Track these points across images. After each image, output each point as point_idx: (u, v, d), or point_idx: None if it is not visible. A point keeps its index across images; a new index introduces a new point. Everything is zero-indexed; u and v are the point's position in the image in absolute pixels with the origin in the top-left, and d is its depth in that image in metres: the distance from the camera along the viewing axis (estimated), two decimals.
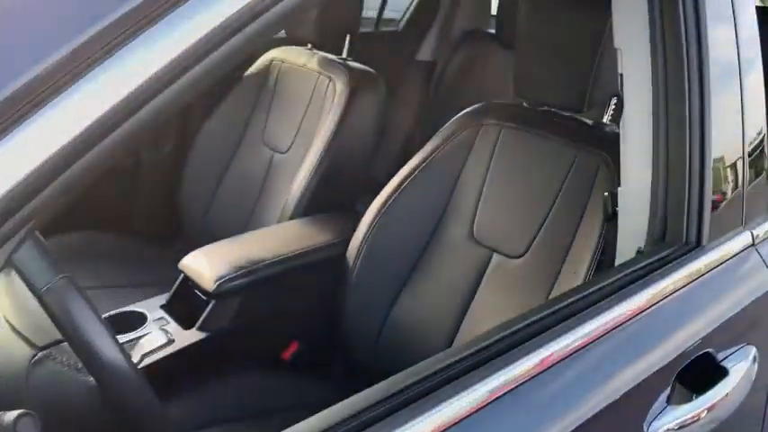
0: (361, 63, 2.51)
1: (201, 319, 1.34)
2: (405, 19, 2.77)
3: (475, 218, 1.36)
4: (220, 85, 2.02)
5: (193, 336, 1.32)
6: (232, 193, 1.88)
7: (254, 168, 1.87)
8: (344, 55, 1.87)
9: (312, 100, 1.81)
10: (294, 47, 1.93)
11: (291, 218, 1.66)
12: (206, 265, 1.36)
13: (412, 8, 2.73)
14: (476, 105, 1.45)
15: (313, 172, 1.66)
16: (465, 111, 1.45)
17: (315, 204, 1.66)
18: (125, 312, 1.36)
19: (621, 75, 1.01)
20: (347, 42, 1.88)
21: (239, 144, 1.91)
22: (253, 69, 1.94)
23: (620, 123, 1.05)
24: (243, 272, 1.34)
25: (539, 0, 1.28)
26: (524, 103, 1.37)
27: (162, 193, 1.97)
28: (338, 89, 1.74)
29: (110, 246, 1.88)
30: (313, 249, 1.46)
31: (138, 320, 1.34)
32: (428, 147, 1.43)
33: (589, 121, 1.31)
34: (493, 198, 1.36)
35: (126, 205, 2.02)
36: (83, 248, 1.80)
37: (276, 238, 1.52)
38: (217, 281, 1.31)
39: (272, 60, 1.93)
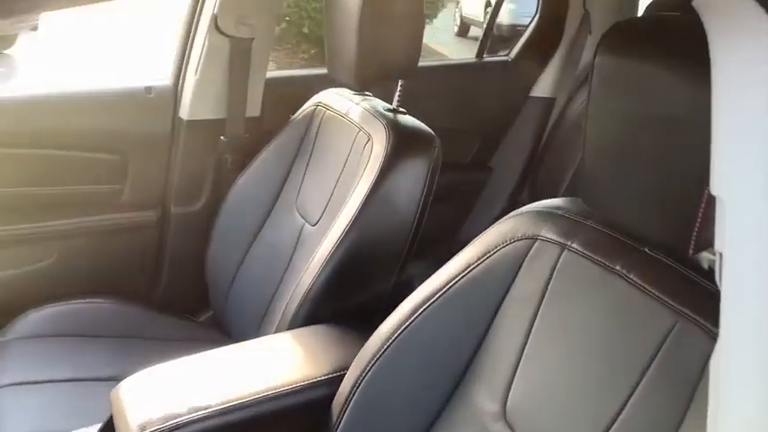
0: (460, 97, 2.08)
1: None
2: (518, 48, 2.26)
3: (511, 387, 0.88)
4: (268, 128, 1.69)
5: None
6: (260, 263, 1.53)
7: (284, 238, 1.50)
8: (395, 104, 1.43)
9: (348, 162, 1.39)
10: (342, 89, 1.53)
11: (291, 322, 1.26)
12: (133, 403, 1.00)
13: (527, 35, 2.22)
14: (532, 205, 0.95)
15: (327, 259, 1.25)
16: (516, 212, 0.96)
17: (322, 305, 1.25)
18: None
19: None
20: (398, 89, 1.44)
21: (274, 204, 1.56)
22: (300, 112, 1.57)
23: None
24: (173, 424, 0.96)
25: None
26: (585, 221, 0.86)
27: (190, 255, 1.67)
28: (375, 151, 1.31)
29: (130, 313, 1.61)
30: (288, 391, 1.04)
31: None
32: (466, 253, 0.97)
33: (694, 275, 0.76)
34: (542, 355, 0.86)
35: (150, 264, 1.75)
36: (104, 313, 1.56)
37: (246, 366, 1.12)
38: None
39: (318, 104, 1.54)
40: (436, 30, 8.17)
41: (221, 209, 1.60)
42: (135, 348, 1.47)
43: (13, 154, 1.52)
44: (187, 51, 1.66)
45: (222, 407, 0.98)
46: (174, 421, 0.95)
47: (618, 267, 0.80)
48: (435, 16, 8.28)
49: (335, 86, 1.53)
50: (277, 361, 1.12)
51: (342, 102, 1.49)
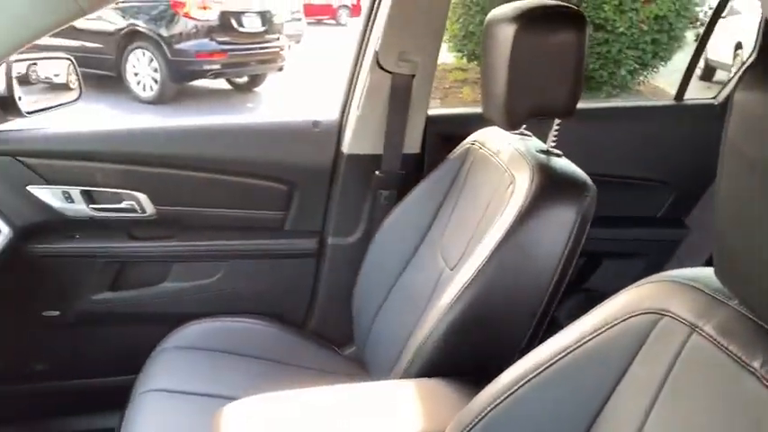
0: (651, 143, 1.89)
1: None
2: (728, 89, 1.96)
3: None
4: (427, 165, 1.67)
5: None
6: (400, 303, 1.50)
7: (424, 280, 1.44)
8: (549, 144, 1.30)
9: (489, 206, 1.29)
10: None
11: (413, 369, 1.19)
12: (228, 429, 1.01)
13: (740, 74, 1.91)
14: (667, 273, 0.78)
15: (450, 306, 1.16)
16: (646, 279, 0.80)
17: (442, 354, 1.16)
18: None
19: None
20: (553, 129, 1.31)
21: (420, 244, 1.51)
22: (456, 150, 1.52)
23: None
24: None
25: None
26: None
27: (342, 287, 1.69)
28: (516, 194, 1.20)
29: (281, 337, 1.67)
30: None
31: None
32: (583, 323, 0.83)
33: None
34: None
35: (306, 292, 1.80)
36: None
37: (351, 408, 1.07)
38: None
39: (473, 142, 1.47)
40: (675, 72, 7.62)
41: (371, 244, 1.59)
42: (275, 373, 1.51)
43: (195, 177, 1.67)
44: (352, 87, 1.70)
45: None
46: None
47: (755, 365, 0.62)
48: (669, 58, 7.73)
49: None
50: (382, 410, 1.06)
51: (496, 140, 1.40)
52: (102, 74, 6.94)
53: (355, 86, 1.69)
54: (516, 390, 0.84)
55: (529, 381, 0.83)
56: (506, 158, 1.31)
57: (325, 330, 1.77)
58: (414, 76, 1.62)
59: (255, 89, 8.05)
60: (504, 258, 1.15)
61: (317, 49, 9.96)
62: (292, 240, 1.77)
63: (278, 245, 1.76)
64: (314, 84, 7.23)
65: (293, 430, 0.99)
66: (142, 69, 6.98)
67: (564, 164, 1.25)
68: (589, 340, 0.80)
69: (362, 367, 1.58)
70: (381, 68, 1.61)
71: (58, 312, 1.69)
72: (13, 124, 1.64)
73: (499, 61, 1.19)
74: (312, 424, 1.01)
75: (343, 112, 1.73)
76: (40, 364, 1.71)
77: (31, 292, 1.67)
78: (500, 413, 0.84)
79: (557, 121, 1.30)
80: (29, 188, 1.60)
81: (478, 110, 1.90)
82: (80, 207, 1.65)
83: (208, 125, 1.74)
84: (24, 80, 1.77)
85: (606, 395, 0.77)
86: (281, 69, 8.01)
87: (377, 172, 1.69)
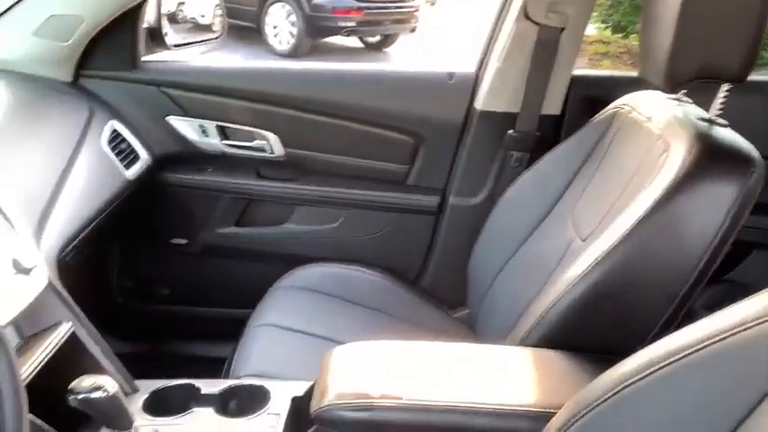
0: None
1: None
2: None
3: None
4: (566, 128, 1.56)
5: None
6: (522, 270, 1.42)
7: (551, 249, 1.35)
8: (713, 113, 1.15)
9: (635, 175, 1.17)
10: (656, 92, 1.30)
11: (531, 339, 1.12)
12: (337, 370, 0.99)
13: None
14: None
15: (580, 278, 1.07)
16: None
17: (565, 328, 1.08)
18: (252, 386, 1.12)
19: None
20: (721, 95, 1.15)
21: (550, 211, 1.42)
22: (601, 114, 1.40)
23: None
24: (358, 404, 0.91)
25: None
26: None
27: (459, 248, 1.63)
28: (669, 164, 1.07)
29: (392, 290, 1.65)
30: (485, 410, 0.91)
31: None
32: (746, 306, 0.73)
33: None
34: None
35: (422, 249, 1.76)
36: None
37: (462, 368, 1.02)
38: (317, 409, 0.93)
39: (622, 105, 1.34)
40: None
41: (495, 207, 1.52)
42: (383, 324, 1.49)
43: (325, 122, 1.67)
44: (493, 39, 1.61)
45: (409, 402, 0.91)
46: (361, 401, 0.91)
47: None
48: None
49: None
50: (495, 375, 1.00)
51: (649, 105, 1.27)
52: (244, 25, 7.19)
53: (497, 38, 1.60)
54: (655, 371, 0.75)
55: (671, 363, 0.74)
56: (661, 124, 1.18)
57: (437, 289, 1.73)
58: (563, 29, 1.50)
59: (386, 49, 8.05)
60: (647, 234, 1.04)
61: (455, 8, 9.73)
62: (413, 196, 1.73)
63: (398, 198, 1.73)
64: (447, 46, 7.11)
65: (402, 380, 0.95)
66: (280, 23, 7.16)
67: (730, 135, 1.11)
68: (749, 328, 0.69)
69: (472, 331, 1.53)
70: (528, 19, 1.50)
71: (185, 241, 1.76)
72: (160, 56, 1.71)
73: (667, 10, 1.06)
74: (422, 376, 0.97)
75: (480, 65, 1.64)
76: (165, 289, 1.80)
77: (163, 218, 1.74)
78: (633, 394, 0.75)
79: (724, 87, 1.14)
80: (168, 119, 1.66)
81: (629, 73, 1.75)
82: (214, 141, 1.69)
83: (343, 70, 1.72)
84: (172, 18, 1.83)
85: (761, 395, 0.67)
86: (413, 30, 7.94)
87: (510, 131, 1.60)
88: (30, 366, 0.97)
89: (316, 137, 1.68)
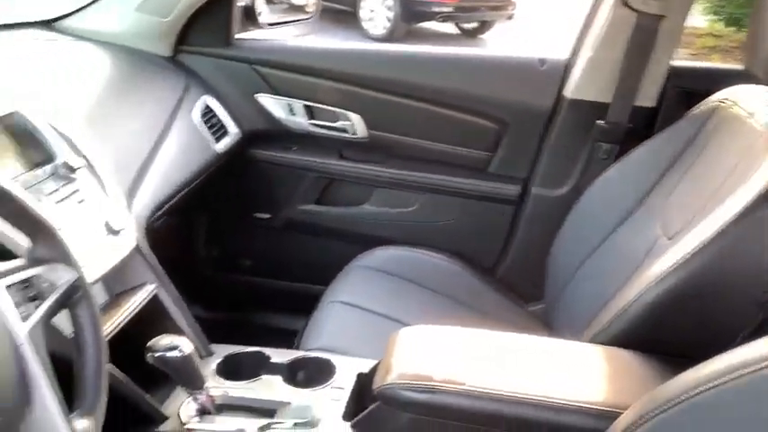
0: None
1: (357, 418, 1.00)
2: None
3: None
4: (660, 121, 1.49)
5: (338, 429, 0.99)
6: (604, 266, 1.37)
7: (636, 246, 1.29)
8: None
9: (734, 171, 1.10)
10: (762, 86, 1.21)
11: (606, 336, 1.08)
12: (401, 350, 0.99)
13: None
14: None
15: (663, 277, 1.01)
16: None
17: (641, 328, 1.03)
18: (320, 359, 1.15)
19: None
20: None
21: (637, 207, 1.36)
22: (699, 107, 1.32)
23: None
24: (419, 386, 0.91)
25: None
26: None
27: (539, 240, 1.60)
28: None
29: (465, 277, 1.64)
30: (546, 404, 0.89)
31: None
32: None
33: None
34: None
35: (500, 238, 1.73)
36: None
37: (529, 361, 0.99)
38: (380, 386, 0.93)
39: (723, 100, 1.26)
40: None
41: (581, 199, 1.46)
42: (454, 310, 1.48)
43: (409, 105, 1.66)
44: (588, 25, 1.54)
45: (471, 388, 0.90)
46: (423, 383, 0.91)
47: None
48: None
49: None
50: (562, 370, 0.97)
51: (753, 100, 1.18)
52: (340, 8, 7.28)
53: (592, 24, 1.53)
54: (734, 379, 0.70)
55: (753, 373, 0.69)
56: (765, 121, 1.10)
57: (513, 281, 1.69)
58: (663, 17, 1.42)
59: (482, 36, 7.93)
60: (740, 235, 0.97)
61: None
62: (494, 184, 1.70)
63: (479, 186, 1.70)
64: (544, 34, 6.91)
65: (466, 366, 0.94)
66: (376, 7, 7.19)
67: None
68: None
69: (546, 325, 1.49)
70: (627, 5, 1.43)
71: (268, 215, 1.81)
72: (253, 35, 1.76)
73: None
74: (487, 365, 0.96)
75: (573, 52, 1.58)
76: (248, 260, 1.86)
77: (248, 193, 1.80)
78: (707, 401, 0.71)
79: None
80: (257, 96, 1.71)
81: (733, 66, 1.64)
82: (300, 120, 1.72)
83: (432, 53, 1.70)
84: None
85: None
86: (510, 17, 7.78)
87: (600, 122, 1.53)
88: (114, 322, 1.03)
89: (400, 120, 1.68)
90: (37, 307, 0.72)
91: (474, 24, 7.90)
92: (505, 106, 1.63)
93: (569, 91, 1.56)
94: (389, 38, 7.07)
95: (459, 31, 8.01)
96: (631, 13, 1.44)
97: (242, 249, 1.87)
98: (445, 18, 7.31)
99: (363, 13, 7.30)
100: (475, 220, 1.73)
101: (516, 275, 1.71)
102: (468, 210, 1.73)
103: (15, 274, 0.72)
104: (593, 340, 1.10)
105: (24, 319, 0.70)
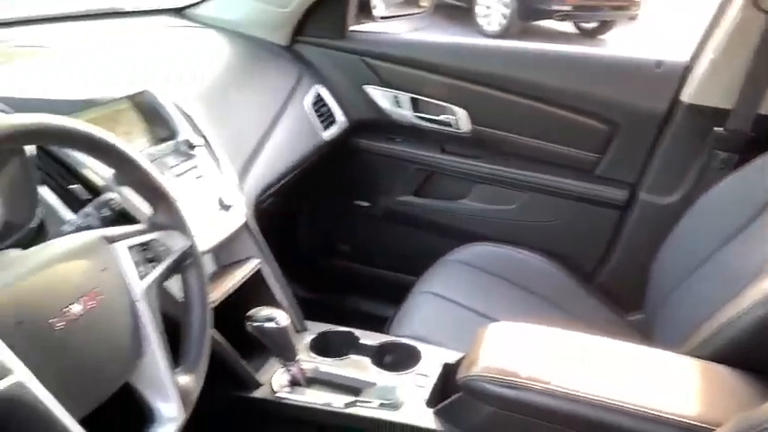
0: None
1: (441, 404, 1.01)
2: None
3: None
4: None
5: (420, 414, 1.01)
6: (716, 276, 1.30)
7: (748, 260, 1.22)
8: None
9: None
10: None
11: (700, 349, 1.03)
12: (489, 344, 1.00)
13: None
14: None
15: None
16: None
17: (747, 344, 0.97)
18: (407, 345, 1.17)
19: None
20: None
21: (755, 218, 1.28)
22: None
23: None
24: (504, 381, 0.91)
25: None
26: None
27: (644, 248, 1.54)
28: None
29: (561, 280, 1.62)
30: (636, 413, 0.86)
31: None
32: None
33: None
34: None
35: (601, 243, 1.68)
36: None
37: (618, 369, 0.97)
38: (464, 377, 0.94)
39: None
40: None
41: (693, 208, 1.40)
42: (547, 312, 1.46)
43: (516, 102, 1.65)
44: (713, 27, 1.46)
45: (556, 388, 0.89)
46: (507, 378, 0.91)
47: None
48: None
49: None
50: (654, 379, 0.94)
51: None
52: (456, 4, 7.26)
53: (717, 26, 1.45)
54: None
55: None
56: None
57: (613, 288, 1.64)
58: None
59: (602, 36, 7.65)
60: None
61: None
62: (601, 187, 1.65)
63: (584, 188, 1.66)
64: (668, 37, 6.57)
65: (554, 366, 0.93)
66: (493, 3, 7.11)
67: None
68: None
69: (644, 335, 1.44)
70: (757, 7, 1.35)
71: (367, 204, 1.86)
72: (366, 27, 1.80)
73: None
74: (575, 367, 0.94)
75: (694, 55, 1.51)
76: (345, 246, 1.92)
77: (350, 180, 1.85)
78: None
79: None
80: (366, 87, 1.75)
81: None
82: (405, 112, 1.75)
83: (543, 50, 1.68)
84: None
85: None
86: (633, 18, 7.45)
87: (719, 129, 1.45)
88: (219, 291, 1.10)
89: (505, 116, 1.67)
90: (153, 268, 0.79)
91: (594, 24, 7.63)
92: (617, 107, 1.58)
93: (687, 95, 1.49)
94: (504, 35, 6.98)
95: (577, 31, 7.76)
96: (761, 16, 1.35)
97: (341, 235, 1.92)
98: (564, 17, 7.11)
99: (479, 8, 7.24)
100: (577, 222, 1.69)
101: (616, 282, 1.65)
102: (570, 212, 1.69)
103: (136, 237, 0.79)
104: (692, 353, 1.05)
105: (142, 277, 0.77)
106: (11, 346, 0.61)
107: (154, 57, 1.39)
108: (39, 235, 0.87)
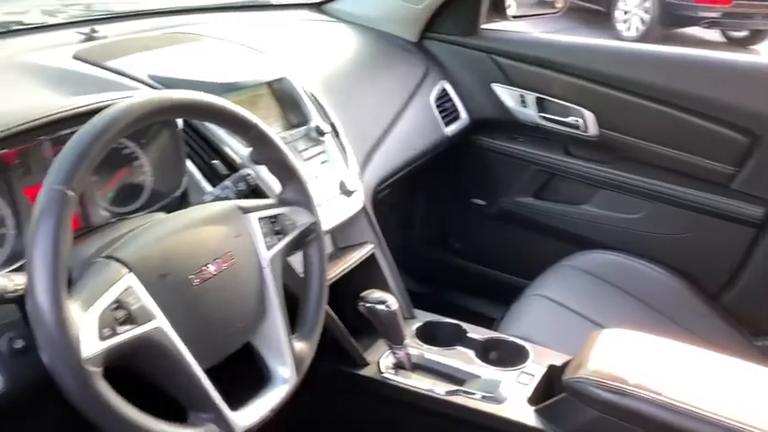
0: None
1: (544, 403, 1.00)
2: None
3: None
4: None
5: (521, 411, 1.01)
6: None
7: None
8: None
9: None
10: None
11: None
12: (601, 348, 0.98)
13: None
14: None
15: None
16: None
17: None
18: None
19: None
20: None
21: None
22: None
23: None
24: (611, 386, 0.89)
25: None
26: None
27: None
28: None
29: (683, 295, 1.54)
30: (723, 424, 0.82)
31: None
32: None
33: None
34: None
35: (730, 261, 1.58)
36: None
37: (743, 388, 0.92)
38: (570, 378, 0.93)
39: None
40: None
41: None
42: (664, 326, 1.40)
43: (647, 107, 1.58)
44: None
45: (667, 400, 0.86)
46: (616, 384, 0.89)
47: None
48: None
49: None
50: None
51: None
52: (593, 8, 7.02)
53: None
54: None
55: None
56: None
57: (740, 310, 1.54)
58: None
59: (753, 46, 7.09)
60: None
61: None
62: (735, 202, 1.55)
63: (717, 202, 1.57)
64: None
65: (665, 378, 0.90)
66: (633, 8, 6.81)
67: None
68: None
69: None
70: None
71: (483, 202, 1.86)
72: (497, 25, 1.80)
73: None
74: (689, 381, 0.91)
75: None
76: (458, 243, 1.93)
77: (468, 178, 1.86)
78: None
79: None
80: (493, 85, 1.75)
81: None
82: (530, 112, 1.73)
83: (679, 54, 1.61)
84: None
85: None
86: None
87: None
88: (335, 270, 1.16)
89: (635, 121, 1.61)
90: (279, 240, 0.85)
91: (744, 33, 7.09)
92: (759, 119, 1.48)
93: None
94: (642, 41, 6.66)
95: (725, 40, 7.25)
96: None
97: (454, 231, 1.94)
98: (711, 24, 6.66)
99: (618, 13, 6.96)
100: (706, 238, 1.60)
101: (744, 305, 1.55)
102: (700, 226, 1.60)
103: (267, 210, 0.86)
104: None
105: (269, 248, 0.83)
106: (154, 296, 0.69)
107: (292, 47, 1.48)
108: (181, 204, 0.96)
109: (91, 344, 0.62)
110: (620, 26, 6.94)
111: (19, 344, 0.74)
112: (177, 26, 1.45)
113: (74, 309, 0.62)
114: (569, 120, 1.69)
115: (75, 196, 0.63)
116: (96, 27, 1.30)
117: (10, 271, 0.73)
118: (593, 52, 1.67)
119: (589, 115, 1.65)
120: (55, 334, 0.60)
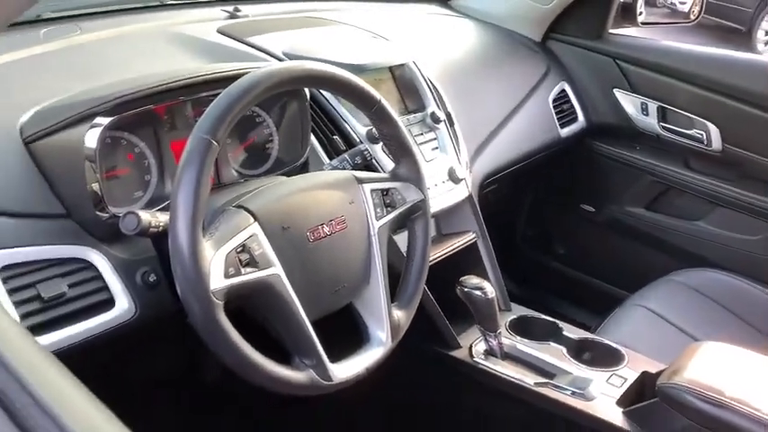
0: None
1: (634, 407, 0.99)
2: None
3: None
4: None
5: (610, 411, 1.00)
6: None
7: None
8: None
9: None
10: None
11: None
12: (702, 358, 0.95)
13: None
14: None
15: None
16: None
17: None
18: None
19: None
20: None
21: None
22: None
23: None
24: (714, 398, 0.87)
25: None
26: None
27: None
28: None
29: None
30: None
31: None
32: None
33: None
34: None
35: None
36: None
37: None
38: (664, 384, 0.92)
39: None
40: None
41: None
42: (764, 346, 1.33)
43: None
44: None
45: (763, 416, 0.83)
46: (713, 395, 0.87)
47: None
48: None
49: None
50: None
51: None
52: (732, 26, 6.62)
53: None
54: None
55: None
56: None
57: None
58: None
59: None
60: None
61: None
62: None
63: None
64: None
65: (765, 395, 0.87)
66: None
67: None
68: None
69: None
70: None
71: (592, 209, 1.83)
72: (625, 31, 1.77)
73: None
74: None
75: None
76: (561, 248, 1.91)
77: (579, 182, 1.84)
78: None
79: None
80: (615, 91, 1.72)
81: None
82: (651, 121, 1.69)
83: None
84: (651, 1, 1.86)
85: None
86: None
87: None
88: (437, 253, 1.20)
89: (763, 138, 1.54)
90: (388, 212, 0.90)
91: None
92: None
93: None
94: None
95: None
96: None
97: (559, 235, 1.92)
98: None
99: (760, 33, 6.52)
100: None
101: None
102: None
103: (380, 183, 0.91)
104: None
105: (378, 218, 0.88)
106: (274, 246, 0.76)
107: (417, 36, 1.53)
108: (301, 172, 1.04)
109: (217, 279, 0.70)
110: (761, 47, 6.49)
111: (152, 278, 0.83)
112: (312, 11, 1.54)
113: (207, 247, 0.70)
114: (692, 132, 1.63)
115: (218, 147, 0.71)
116: (239, 6, 1.41)
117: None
118: (723, 64, 1.61)
119: (713, 129, 1.59)
120: (189, 265, 0.68)
